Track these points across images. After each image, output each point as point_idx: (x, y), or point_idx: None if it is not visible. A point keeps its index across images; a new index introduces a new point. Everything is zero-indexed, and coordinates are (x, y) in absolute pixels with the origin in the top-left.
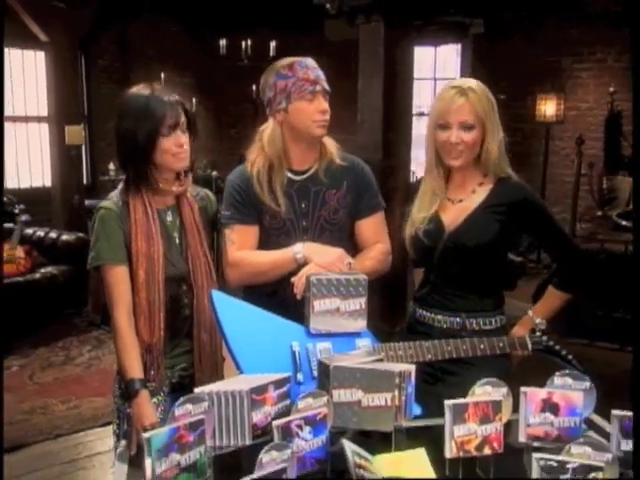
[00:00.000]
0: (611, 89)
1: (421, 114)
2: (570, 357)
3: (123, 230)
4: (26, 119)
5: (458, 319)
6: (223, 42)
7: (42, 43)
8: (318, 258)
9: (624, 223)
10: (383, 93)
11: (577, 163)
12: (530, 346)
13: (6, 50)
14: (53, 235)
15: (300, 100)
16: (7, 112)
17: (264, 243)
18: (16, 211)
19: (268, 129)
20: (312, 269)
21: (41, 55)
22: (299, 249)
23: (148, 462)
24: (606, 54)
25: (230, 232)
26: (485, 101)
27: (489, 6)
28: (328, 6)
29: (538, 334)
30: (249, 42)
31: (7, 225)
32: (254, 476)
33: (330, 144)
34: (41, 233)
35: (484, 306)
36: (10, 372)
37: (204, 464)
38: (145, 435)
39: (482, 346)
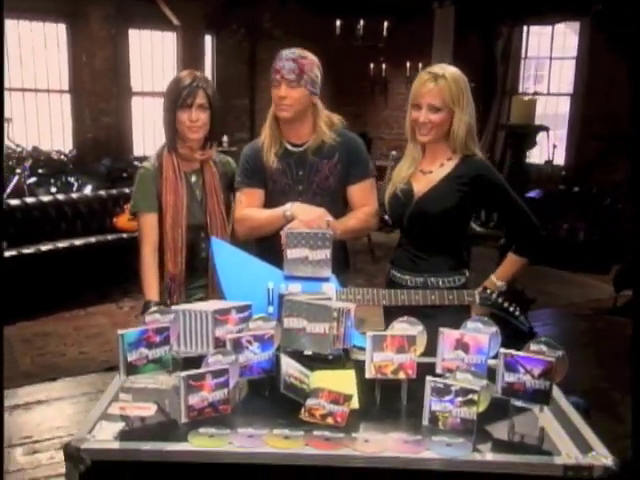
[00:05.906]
0: None
1: (535, 94)
2: (517, 313)
3: (156, 185)
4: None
5: (421, 278)
6: (338, 23)
7: (175, 26)
8: (302, 215)
9: None
10: None
11: None
12: (478, 300)
13: (144, 32)
14: None
15: (272, 87)
16: (147, 88)
17: (268, 204)
18: None
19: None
20: (295, 224)
21: (174, 36)
22: (288, 207)
23: (121, 352)
24: None
25: (239, 194)
26: (454, 88)
27: None
28: None
29: (488, 291)
30: (362, 23)
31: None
32: (199, 370)
33: (326, 122)
34: None
35: (444, 267)
36: (122, 311)
37: (168, 359)
38: (119, 332)
39: (433, 297)
